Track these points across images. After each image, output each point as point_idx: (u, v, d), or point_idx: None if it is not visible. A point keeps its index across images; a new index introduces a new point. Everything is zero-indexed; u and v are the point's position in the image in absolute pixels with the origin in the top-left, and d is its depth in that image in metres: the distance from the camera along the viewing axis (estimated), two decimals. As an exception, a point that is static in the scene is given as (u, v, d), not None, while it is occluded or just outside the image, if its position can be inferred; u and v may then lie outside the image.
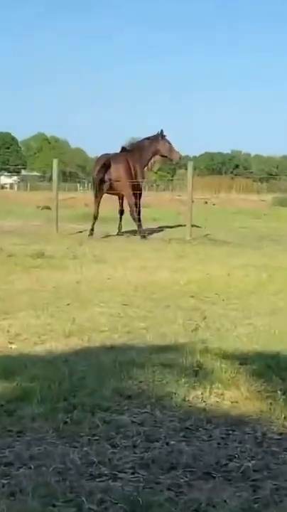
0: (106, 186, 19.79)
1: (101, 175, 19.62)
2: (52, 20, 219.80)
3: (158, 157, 21.24)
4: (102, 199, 20.27)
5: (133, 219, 19.73)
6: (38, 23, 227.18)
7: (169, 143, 21.09)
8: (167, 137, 20.98)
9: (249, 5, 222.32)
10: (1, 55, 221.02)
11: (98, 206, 20.12)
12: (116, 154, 20.37)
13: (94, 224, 19.90)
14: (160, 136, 20.75)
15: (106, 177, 19.57)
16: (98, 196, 20.11)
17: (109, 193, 20.38)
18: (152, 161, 21.28)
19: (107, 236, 19.49)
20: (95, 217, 20.07)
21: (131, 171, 19.89)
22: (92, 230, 19.67)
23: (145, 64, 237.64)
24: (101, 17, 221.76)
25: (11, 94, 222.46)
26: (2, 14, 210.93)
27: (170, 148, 21.03)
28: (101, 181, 19.66)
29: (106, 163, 19.64)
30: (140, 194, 20.40)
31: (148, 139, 20.96)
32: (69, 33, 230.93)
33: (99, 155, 21.00)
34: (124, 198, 20.45)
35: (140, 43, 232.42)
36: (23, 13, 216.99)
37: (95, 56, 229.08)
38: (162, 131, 20.81)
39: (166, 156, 21.21)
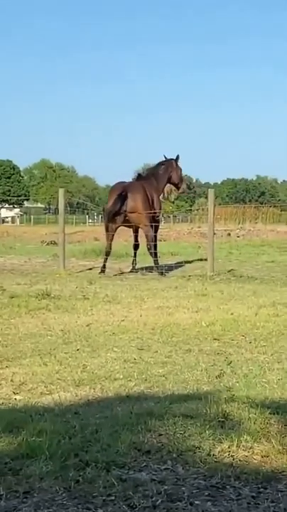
0: (121, 218, 19.69)
1: (116, 206, 19.44)
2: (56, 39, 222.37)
3: (169, 185, 21.37)
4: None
5: (151, 254, 19.75)
6: (40, 43, 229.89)
7: (181, 171, 21.29)
8: (180, 164, 21.17)
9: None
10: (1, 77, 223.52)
11: (111, 240, 20.08)
12: (132, 183, 20.41)
13: (106, 260, 19.90)
14: (175, 161, 20.87)
15: (122, 208, 19.48)
16: (111, 229, 19.99)
17: (124, 226, 20.37)
18: (167, 188, 21.41)
19: (120, 273, 19.52)
20: (107, 253, 20.06)
21: (149, 201, 19.93)
22: (104, 267, 19.64)
23: (159, 83, 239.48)
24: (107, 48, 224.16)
25: (11, 119, 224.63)
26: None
27: (181, 177, 21.19)
28: (116, 213, 19.55)
29: (122, 193, 19.56)
30: (157, 226, 20.46)
31: (162, 164, 21.09)
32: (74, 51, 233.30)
33: (114, 183, 20.89)
34: (139, 230, 20.48)
35: (154, 61, 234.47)
36: (24, 31, 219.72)
37: (101, 78, 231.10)
38: (178, 156, 20.94)
39: (176, 185, 21.29)
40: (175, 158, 20.96)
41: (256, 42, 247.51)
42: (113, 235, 20.03)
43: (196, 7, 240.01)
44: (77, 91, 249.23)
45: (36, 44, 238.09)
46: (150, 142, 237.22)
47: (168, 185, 21.25)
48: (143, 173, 21.84)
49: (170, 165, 20.82)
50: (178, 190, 22.19)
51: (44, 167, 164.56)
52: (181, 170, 21.39)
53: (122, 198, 19.41)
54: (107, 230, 20.11)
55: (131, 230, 20.78)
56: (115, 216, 19.56)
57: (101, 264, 19.85)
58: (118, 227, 20.12)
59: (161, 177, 20.55)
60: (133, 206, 19.43)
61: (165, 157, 21.00)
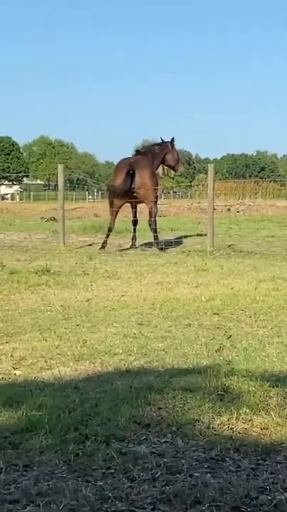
0: (127, 195, 19.62)
1: (126, 184, 19.33)
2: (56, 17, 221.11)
3: (166, 168, 21.40)
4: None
5: (151, 229, 19.74)
6: (41, 21, 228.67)
7: (177, 153, 21.28)
8: (175, 147, 21.16)
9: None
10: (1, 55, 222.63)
11: (115, 217, 20.06)
12: (137, 159, 20.33)
13: (108, 236, 19.91)
14: (171, 144, 20.82)
15: (131, 186, 19.38)
16: (116, 206, 19.92)
17: (128, 202, 20.32)
18: (162, 170, 21.43)
19: (120, 249, 19.51)
20: (110, 229, 20.08)
21: (155, 177, 19.95)
22: (105, 242, 19.65)
23: (161, 62, 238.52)
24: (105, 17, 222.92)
25: (10, 96, 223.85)
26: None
27: (177, 159, 21.15)
28: (126, 191, 19.44)
29: (129, 170, 19.46)
30: (156, 202, 20.45)
31: (158, 145, 21.06)
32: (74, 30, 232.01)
33: (119, 160, 20.81)
34: (137, 206, 20.45)
35: (158, 40, 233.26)
36: (22, 13, 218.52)
37: (105, 55, 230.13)
38: (173, 139, 20.91)
39: (172, 167, 21.24)
40: (170, 140, 20.89)
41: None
42: (117, 212, 19.99)
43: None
44: (77, 67, 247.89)
45: (35, 23, 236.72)
46: (149, 118, 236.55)
47: (163, 166, 21.25)
48: (142, 150, 21.77)
49: (165, 147, 20.77)
50: (176, 172, 22.16)
51: (43, 143, 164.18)
52: (177, 152, 21.37)
53: (131, 175, 19.35)
54: (111, 206, 20.03)
55: (130, 205, 20.67)
56: (124, 193, 19.48)
57: (102, 240, 19.85)
58: (123, 203, 20.09)
59: (157, 156, 20.48)
60: (140, 183, 19.37)
61: (162, 139, 20.95)
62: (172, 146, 20.87)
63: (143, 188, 19.37)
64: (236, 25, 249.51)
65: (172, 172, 22.32)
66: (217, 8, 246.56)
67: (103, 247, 19.42)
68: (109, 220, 20.18)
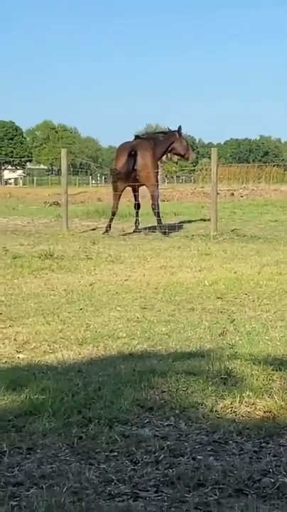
0: (130, 177, 19.54)
1: (129, 165, 19.27)
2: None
3: (170, 154, 21.34)
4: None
5: (155, 213, 19.70)
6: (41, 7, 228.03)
7: (186, 141, 21.25)
8: (183, 135, 21.11)
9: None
10: (2, 38, 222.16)
11: (119, 201, 20.03)
12: (139, 142, 20.29)
13: (111, 221, 19.88)
14: (178, 133, 20.75)
15: (133, 167, 19.32)
16: (119, 189, 19.89)
17: (130, 185, 20.23)
18: (166, 156, 21.38)
19: (123, 234, 19.50)
20: (113, 213, 20.04)
21: (156, 160, 19.92)
22: (109, 227, 19.63)
23: (165, 47, 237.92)
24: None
25: (12, 80, 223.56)
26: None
27: (187, 147, 21.10)
28: (128, 172, 19.37)
29: (131, 151, 19.42)
30: (157, 185, 20.41)
31: (164, 133, 21.03)
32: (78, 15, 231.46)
33: (120, 144, 20.72)
34: (139, 190, 20.40)
35: (160, 28, 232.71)
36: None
37: (108, 38, 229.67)
38: (180, 127, 20.84)
39: (183, 155, 21.18)
40: (177, 129, 20.82)
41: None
42: (120, 195, 19.96)
43: None
44: (79, 50, 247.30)
45: (41, 9, 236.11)
46: (152, 103, 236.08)
47: (170, 154, 21.21)
48: (143, 136, 21.71)
49: (172, 135, 20.68)
50: (187, 160, 22.14)
51: (46, 128, 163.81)
52: (186, 140, 21.35)
53: (132, 156, 19.31)
54: (115, 190, 19.98)
55: (132, 189, 20.57)
56: (126, 176, 19.45)
57: (105, 225, 19.84)
58: (126, 186, 20.04)
59: (160, 143, 20.38)
60: (142, 164, 19.34)
61: (169, 129, 20.91)
62: (180, 134, 20.80)
63: (144, 170, 19.33)
64: (236, 7, 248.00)
65: (176, 157, 22.21)
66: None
67: (106, 231, 19.40)
68: (112, 204, 20.14)
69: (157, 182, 20.32)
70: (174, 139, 20.55)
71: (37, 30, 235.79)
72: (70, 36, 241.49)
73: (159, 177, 22.01)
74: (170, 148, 20.62)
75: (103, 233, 19.17)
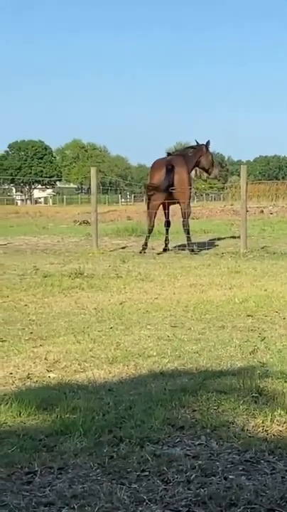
0: (165, 194, 19.43)
1: (165, 181, 19.17)
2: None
3: (199, 170, 21.31)
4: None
5: (185, 231, 19.66)
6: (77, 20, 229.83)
7: (212, 156, 21.20)
8: (210, 150, 21.08)
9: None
10: (32, 57, 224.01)
11: (154, 217, 19.92)
12: (174, 157, 20.29)
13: (148, 238, 19.78)
14: (205, 147, 20.72)
15: (171, 182, 19.23)
16: (155, 206, 19.77)
17: (164, 202, 19.99)
18: (195, 172, 21.36)
19: (153, 252, 19.49)
20: (150, 231, 19.92)
21: (190, 177, 19.90)
22: (145, 245, 19.57)
23: (194, 63, 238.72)
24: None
25: (42, 100, 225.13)
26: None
27: (213, 163, 21.05)
28: (166, 188, 19.24)
29: (168, 166, 19.35)
30: (189, 203, 20.39)
31: (192, 148, 21.03)
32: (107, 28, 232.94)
33: (154, 161, 20.61)
34: (170, 207, 20.36)
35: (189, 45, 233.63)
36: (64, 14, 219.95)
37: (134, 56, 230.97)
38: (208, 142, 20.83)
39: (207, 170, 21.10)
40: (205, 143, 20.80)
41: None
42: (156, 212, 19.86)
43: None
44: (107, 71, 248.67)
45: (62, 23, 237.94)
46: (182, 121, 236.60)
47: (197, 169, 21.17)
48: (174, 153, 21.70)
49: (200, 149, 20.66)
50: (209, 175, 22.03)
51: (76, 147, 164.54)
52: (212, 156, 21.28)
53: (169, 171, 19.24)
54: (150, 206, 19.88)
55: (162, 207, 20.44)
56: (163, 191, 19.31)
57: (136, 243, 19.84)
58: (161, 203, 19.89)
59: (190, 159, 20.37)
60: (179, 179, 19.29)
61: (197, 142, 20.88)
62: (207, 149, 20.76)
63: (180, 186, 19.27)
64: (273, 14, 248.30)
65: (205, 174, 22.16)
66: None
67: (143, 249, 19.34)
68: (148, 222, 20.06)
69: (190, 199, 20.32)
70: (201, 153, 20.52)
71: (67, 46, 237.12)
72: (98, 55, 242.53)
73: (191, 194, 21.99)
74: (197, 163, 20.60)
75: (140, 252, 19.08)
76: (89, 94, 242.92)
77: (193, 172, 21.23)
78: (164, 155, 20.94)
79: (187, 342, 7.50)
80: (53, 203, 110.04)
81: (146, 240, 19.67)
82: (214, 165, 21.50)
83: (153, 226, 19.96)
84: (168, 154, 21.14)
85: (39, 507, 3.60)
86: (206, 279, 12.79)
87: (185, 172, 19.48)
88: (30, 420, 4.92)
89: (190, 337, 7.78)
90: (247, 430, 4.63)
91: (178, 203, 19.78)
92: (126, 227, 27.14)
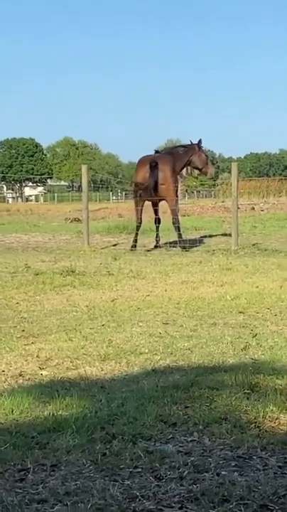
0: (151, 191, 19.37)
1: (149, 178, 19.13)
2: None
3: (190, 168, 21.21)
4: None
5: (175, 228, 19.64)
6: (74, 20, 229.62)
7: (206, 155, 21.09)
8: (203, 149, 20.99)
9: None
10: (22, 56, 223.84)
11: (141, 214, 19.88)
12: (159, 155, 20.25)
13: (137, 235, 19.75)
14: (197, 146, 20.63)
15: (156, 180, 19.18)
16: (140, 203, 19.78)
17: (150, 199, 20.03)
18: (186, 170, 21.26)
19: (144, 249, 19.48)
20: (138, 228, 19.86)
21: (176, 174, 19.80)
22: (135, 241, 19.52)
23: (184, 62, 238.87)
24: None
25: (32, 98, 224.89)
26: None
27: (206, 161, 20.91)
28: (154, 186, 19.19)
29: (152, 163, 19.30)
30: (177, 200, 20.30)
31: (183, 147, 20.97)
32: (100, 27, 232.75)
33: (140, 158, 20.62)
34: (159, 204, 20.30)
35: (178, 42, 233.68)
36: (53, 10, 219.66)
37: (125, 54, 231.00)
38: (200, 140, 20.78)
39: (200, 169, 20.99)
40: (197, 142, 20.74)
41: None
42: (142, 209, 19.78)
43: None
44: (99, 68, 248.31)
45: (57, 24, 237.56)
46: (172, 118, 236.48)
47: (189, 168, 21.08)
48: (161, 151, 21.63)
49: (191, 148, 20.56)
50: (205, 175, 21.92)
51: (67, 145, 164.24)
52: (206, 155, 21.17)
53: (153, 169, 19.19)
54: (137, 204, 19.88)
55: (152, 204, 20.37)
56: (147, 188, 19.26)
57: (126, 240, 19.77)
58: (146, 200, 19.87)
59: (179, 157, 20.26)
60: (162, 177, 19.22)
61: (191, 142, 20.78)
62: (200, 148, 20.66)
63: (164, 184, 19.24)
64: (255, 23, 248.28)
65: (196, 172, 22.03)
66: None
67: (134, 246, 19.33)
68: (136, 219, 20.03)
69: (177, 197, 20.22)
70: (193, 152, 20.38)
71: (54, 47, 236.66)
72: (88, 53, 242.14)
73: (179, 192, 21.91)
74: (189, 162, 20.51)
75: (131, 249, 19.06)
76: (79, 91, 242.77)
77: (184, 170, 21.17)
78: (152, 152, 20.87)
79: (179, 339, 7.51)
80: (44, 201, 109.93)
81: (135, 236, 19.64)
82: (209, 163, 21.35)
83: (141, 222, 19.91)
84: (156, 152, 21.09)
85: (32, 504, 3.60)
86: (197, 276, 12.80)
87: (168, 169, 19.35)
88: (22, 418, 4.92)
89: (182, 334, 7.78)
90: (239, 426, 4.64)
91: (165, 200, 19.74)
92: (117, 224, 27.11)
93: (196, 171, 21.72)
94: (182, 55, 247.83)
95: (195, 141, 20.63)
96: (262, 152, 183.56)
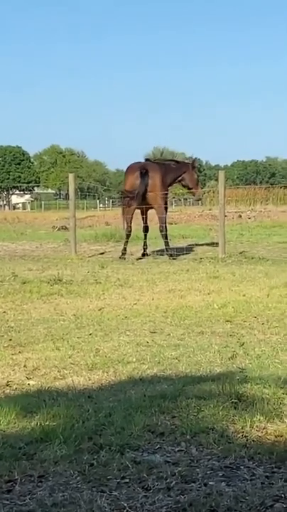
0: (140, 198, 19.25)
1: (138, 185, 19.01)
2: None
3: (179, 184, 21.23)
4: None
5: (162, 236, 19.60)
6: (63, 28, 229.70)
7: (197, 176, 21.10)
8: (196, 169, 21.03)
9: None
10: (8, 62, 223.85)
11: (131, 222, 19.67)
12: (149, 163, 20.23)
13: (126, 243, 19.59)
14: (192, 165, 20.64)
15: (143, 187, 19.10)
16: (130, 211, 19.56)
17: (139, 207, 19.82)
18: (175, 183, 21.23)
19: (132, 258, 19.46)
20: (127, 236, 19.70)
21: (165, 182, 19.72)
22: (125, 250, 19.40)
23: (170, 69, 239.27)
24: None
25: (19, 105, 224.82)
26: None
27: (197, 182, 20.88)
28: (144, 193, 19.10)
29: (142, 171, 19.21)
30: (166, 208, 20.28)
31: (177, 162, 21.01)
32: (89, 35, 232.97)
33: (129, 165, 20.39)
34: (147, 212, 20.25)
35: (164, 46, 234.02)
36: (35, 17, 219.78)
37: (112, 62, 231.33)
38: (195, 160, 20.84)
39: (190, 188, 20.94)
40: (192, 161, 20.77)
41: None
42: (131, 217, 19.57)
43: None
44: (86, 75, 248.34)
45: (40, 34, 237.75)
46: (159, 126, 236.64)
47: (177, 184, 21.08)
48: (154, 161, 21.61)
49: (185, 165, 20.57)
50: (193, 195, 21.94)
51: (54, 152, 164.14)
52: (197, 175, 21.16)
53: (142, 176, 19.10)
54: (125, 211, 19.69)
55: (140, 212, 20.32)
56: (136, 196, 19.07)
57: (114, 249, 19.73)
58: (135, 208, 19.65)
59: (171, 170, 20.21)
60: (151, 185, 19.15)
61: (188, 158, 20.81)
62: (193, 167, 20.66)
63: (152, 191, 19.19)
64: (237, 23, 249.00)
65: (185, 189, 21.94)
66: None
67: (123, 254, 19.20)
68: (125, 227, 19.83)
69: (165, 205, 20.20)
70: (186, 170, 20.30)
71: (41, 53, 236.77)
72: (71, 59, 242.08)
73: (168, 199, 21.88)
74: (180, 178, 20.44)
75: (120, 257, 18.98)
76: (66, 99, 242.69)
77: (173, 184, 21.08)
78: (141, 160, 20.86)
79: (167, 348, 7.52)
80: (31, 209, 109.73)
81: (125, 245, 19.53)
82: (199, 185, 21.30)
83: (131, 231, 19.83)
84: (147, 160, 21.09)
85: (19, 515, 3.60)
86: (185, 284, 12.81)
87: (158, 178, 19.27)
88: (9, 428, 4.91)
89: (169, 343, 7.79)
90: (227, 436, 4.65)
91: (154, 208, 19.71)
92: (105, 232, 27.09)
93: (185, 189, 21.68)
94: (166, 60, 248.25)
95: (190, 156, 20.68)
96: (249, 160, 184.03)
